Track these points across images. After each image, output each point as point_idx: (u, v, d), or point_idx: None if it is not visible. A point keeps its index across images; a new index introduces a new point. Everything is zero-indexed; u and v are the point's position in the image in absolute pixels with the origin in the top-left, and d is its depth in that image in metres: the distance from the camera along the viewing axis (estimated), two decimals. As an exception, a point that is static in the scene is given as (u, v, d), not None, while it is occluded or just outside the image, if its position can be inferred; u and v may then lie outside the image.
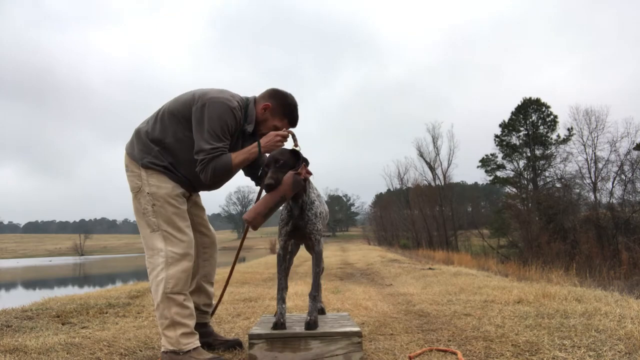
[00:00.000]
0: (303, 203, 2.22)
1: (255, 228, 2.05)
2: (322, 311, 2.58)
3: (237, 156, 2.21)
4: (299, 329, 2.18)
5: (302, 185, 2.12)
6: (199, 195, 2.58)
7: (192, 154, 2.19)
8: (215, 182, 2.27)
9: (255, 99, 2.35)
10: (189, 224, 2.28)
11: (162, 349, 2.17)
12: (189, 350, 2.14)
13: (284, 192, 2.03)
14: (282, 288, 2.28)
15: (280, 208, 2.22)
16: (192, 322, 2.20)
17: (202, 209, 2.60)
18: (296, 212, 2.23)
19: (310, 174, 2.19)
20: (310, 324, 2.15)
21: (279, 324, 2.18)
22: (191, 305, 2.23)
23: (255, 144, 2.25)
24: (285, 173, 2.07)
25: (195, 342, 2.18)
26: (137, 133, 2.31)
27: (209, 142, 2.13)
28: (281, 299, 2.26)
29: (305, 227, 2.23)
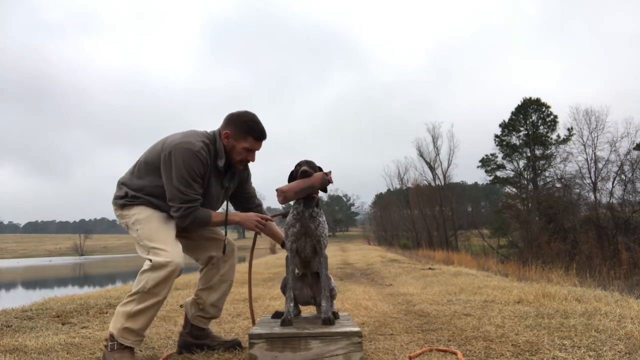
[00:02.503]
0: (313, 211, 2.39)
1: (285, 200, 2.27)
2: (336, 315, 2.52)
3: (216, 216, 2.37)
4: (299, 328, 2.18)
5: (327, 184, 2.37)
6: None
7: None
8: (190, 225, 2.34)
9: (219, 131, 2.39)
10: (173, 237, 2.27)
11: (109, 330, 2.16)
12: (122, 347, 2.12)
13: (314, 182, 2.32)
14: (291, 288, 2.38)
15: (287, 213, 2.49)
16: (145, 326, 2.18)
17: None
18: (306, 215, 2.38)
19: (332, 181, 2.41)
20: (328, 320, 2.25)
21: (287, 321, 2.25)
22: (155, 312, 2.20)
23: (239, 218, 2.42)
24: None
25: (132, 342, 2.15)
26: (118, 185, 2.41)
27: (180, 189, 2.21)
28: (289, 298, 2.35)
29: (316, 229, 2.38)
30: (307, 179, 2.32)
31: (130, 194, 2.32)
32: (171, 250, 2.18)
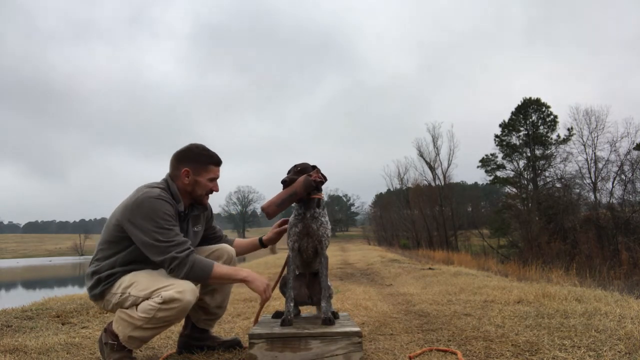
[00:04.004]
0: (315, 212, 2.38)
1: (270, 216, 2.27)
2: (335, 315, 2.52)
3: (219, 267, 2.14)
4: (299, 329, 2.18)
5: (313, 186, 2.31)
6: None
7: (142, 259, 2.12)
8: (188, 278, 2.08)
9: (170, 176, 2.28)
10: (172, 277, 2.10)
11: (112, 326, 2.11)
12: (125, 348, 2.07)
13: (296, 188, 2.28)
14: (291, 287, 2.38)
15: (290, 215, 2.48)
16: (152, 337, 2.12)
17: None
18: (307, 215, 2.38)
19: (323, 178, 2.37)
20: (328, 320, 2.24)
21: (287, 321, 2.25)
22: (165, 329, 2.12)
23: (246, 274, 2.18)
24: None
25: (137, 347, 2.12)
26: (88, 277, 2.21)
27: (160, 239, 2.02)
28: (290, 298, 2.35)
29: (318, 229, 2.37)
30: (287, 188, 2.31)
31: (104, 276, 2.12)
32: (179, 283, 2.02)
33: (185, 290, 2.01)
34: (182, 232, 2.21)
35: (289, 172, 2.41)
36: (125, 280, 2.11)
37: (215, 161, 2.32)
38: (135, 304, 2.05)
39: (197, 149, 2.29)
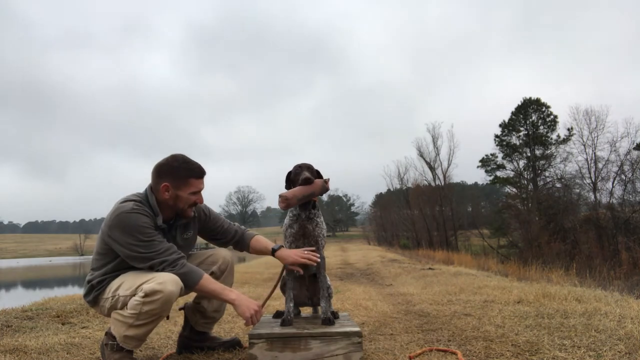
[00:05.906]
0: (310, 213, 2.43)
1: (287, 206, 2.30)
2: (335, 314, 2.52)
3: (208, 281, 2.11)
4: (299, 329, 2.18)
5: (325, 192, 2.43)
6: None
7: (130, 267, 2.13)
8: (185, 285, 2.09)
9: (151, 188, 2.21)
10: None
11: (110, 330, 2.12)
12: (122, 349, 2.08)
13: (315, 189, 2.36)
14: (290, 288, 2.40)
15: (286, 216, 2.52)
16: (146, 334, 2.11)
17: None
18: (303, 216, 2.41)
19: (329, 188, 2.46)
20: (328, 320, 2.26)
21: (287, 321, 2.27)
22: (157, 324, 2.12)
23: (234, 297, 2.12)
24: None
25: (134, 347, 2.12)
26: (84, 285, 2.25)
27: (144, 252, 2.03)
28: (289, 298, 2.37)
29: (314, 230, 2.41)
30: (309, 187, 2.34)
31: (95, 282, 2.16)
32: (160, 275, 2.02)
33: (165, 281, 1.99)
34: (169, 242, 2.18)
35: (300, 167, 2.42)
36: (114, 283, 2.14)
37: (197, 174, 2.21)
38: (126, 304, 2.06)
39: (177, 162, 2.18)
